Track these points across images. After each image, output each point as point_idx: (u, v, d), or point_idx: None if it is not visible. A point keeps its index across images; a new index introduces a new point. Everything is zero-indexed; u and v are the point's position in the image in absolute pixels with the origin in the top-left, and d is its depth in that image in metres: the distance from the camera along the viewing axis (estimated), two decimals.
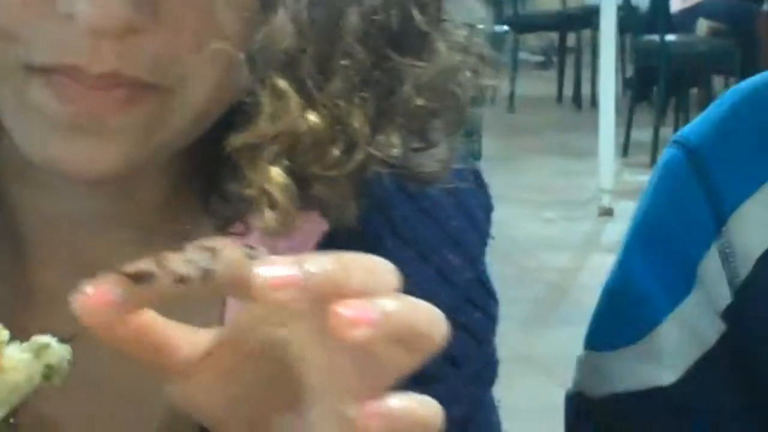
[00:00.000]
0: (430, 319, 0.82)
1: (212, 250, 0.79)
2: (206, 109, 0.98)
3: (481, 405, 1.17)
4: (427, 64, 1.01)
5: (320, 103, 0.97)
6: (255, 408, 0.86)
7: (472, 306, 1.14)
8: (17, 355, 0.82)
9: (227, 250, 0.79)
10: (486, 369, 1.18)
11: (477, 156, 6.32)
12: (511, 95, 11.31)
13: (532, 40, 12.85)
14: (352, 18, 0.97)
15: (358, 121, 0.99)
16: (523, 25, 11.92)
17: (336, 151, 0.99)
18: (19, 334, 0.85)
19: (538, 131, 10.48)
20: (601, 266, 1.51)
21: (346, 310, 0.76)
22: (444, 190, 1.10)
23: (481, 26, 1.09)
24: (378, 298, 0.79)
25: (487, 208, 1.18)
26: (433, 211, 1.12)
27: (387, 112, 1.01)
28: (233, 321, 0.86)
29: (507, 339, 4.80)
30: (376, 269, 0.80)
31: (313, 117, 0.97)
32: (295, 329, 0.81)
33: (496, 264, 5.05)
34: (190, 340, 0.85)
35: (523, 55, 12.27)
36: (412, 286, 0.96)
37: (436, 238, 1.12)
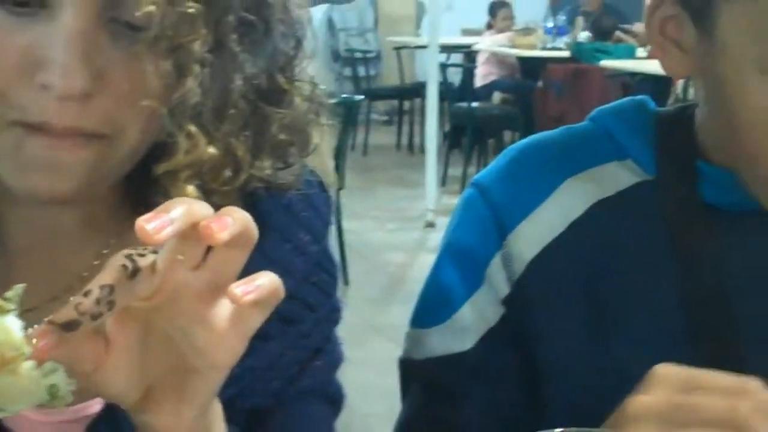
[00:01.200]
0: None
1: (110, 287, 0.75)
2: (137, 148, 0.97)
3: (330, 339, 1.15)
4: (287, 111, 1.03)
5: (217, 140, 0.96)
6: (151, 376, 0.81)
7: (320, 269, 1.13)
8: (30, 368, 0.74)
9: (118, 282, 0.75)
10: (332, 313, 1.15)
11: (342, 185, 6.40)
12: (365, 144, 11.31)
13: (380, 105, 12.40)
14: (237, 82, 0.96)
15: (242, 152, 0.99)
16: (374, 95, 11.77)
17: (228, 173, 0.98)
18: None
19: (384, 169, 10.20)
20: (426, 263, 1.03)
21: (208, 223, 0.75)
22: (298, 193, 1.10)
23: (322, 86, 1.09)
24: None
25: (328, 204, 1.16)
26: (290, 206, 1.11)
27: (261, 145, 1.01)
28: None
29: (362, 313, 5.30)
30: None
31: (212, 150, 0.95)
32: (183, 314, 0.78)
33: (354, 260, 5.52)
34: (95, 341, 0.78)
35: (373, 116, 11.73)
36: (277, 259, 1.05)
37: (292, 225, 1.11)
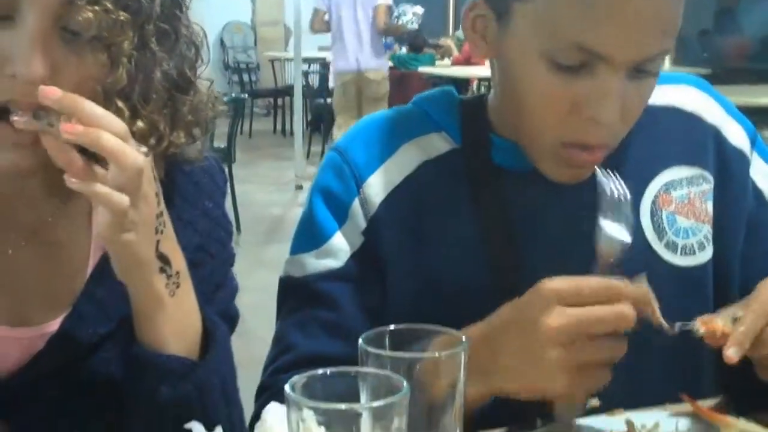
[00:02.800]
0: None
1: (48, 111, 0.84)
2: None
3: (228, 278, 1.14)
4: (193, 98, 1.01)
5: (143, 117, 0.94)
6: None
7: (219, 227, 1.12)
8: None
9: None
10: (228, 258, 1.14)
11: (234, 160, 6.35)
12: (250, 130, 11.15)
13: (260, 102, 12.44)
14: (157, 74, 0.95)
15: (162, 126, 0.97)
16: (256, 94, 11.72)
17: (153, 141, 0.95)
18: None
19: (264, 148, 10.23)
20: (297, 214, 1.02)
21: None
22: (202, 170, 1.10)
23: (217, 87, 1.09)
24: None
25: (224, 179, 1.15)
26: (197, 182, 1.10)
27: (176, 121, 0.99)
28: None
29: (251, 251, 5.13)
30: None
31: (140, 124, 0.94)
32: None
33: (244, 213, 5.38)
34: None
35: (255, 110, 11.76)
36: (187, 220, 1.05)
37: (199, 194, 1.10)
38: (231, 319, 1.13)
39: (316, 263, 1.15)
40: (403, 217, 1.14)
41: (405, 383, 0.69)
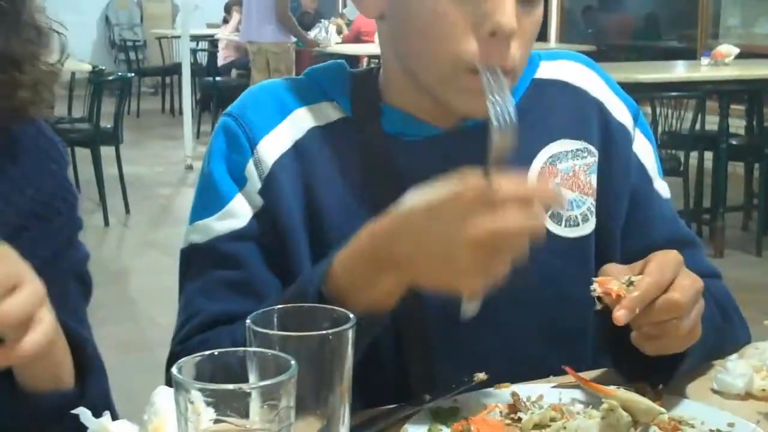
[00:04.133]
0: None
1: None
2: None
3: (76, 238, 1.14)
4: (28, 76, 1.04)
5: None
6: None
7: (64, 190, 1.12)
8: None
9: None
10: (76, 221, 1.13)
11: (121, 141, 6.20)
12: (138, 110, 10.93)
13: (148, 81, 12.21)
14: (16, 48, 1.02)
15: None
16: (143, 73, 11.55)
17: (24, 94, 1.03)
18: None
19: (152, 127, 10.05)
20: (187, 194, 0.97)
21: None
22: (44, 135, 1.12)
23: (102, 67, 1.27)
24: None
25: (65, 152, 1.15)
26: (39, 141, 1.11)
27: (12, 91, 1.03)
28: None
29: (140, 233, 5.08)
30: None
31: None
32: None
33: (133, 195, 5.33)
34: None
35: (143, 89, 11.51)
36: (33, 177, 1.07)
37: (44, 158, 1.11)
38: (85, 283, 1.14)
39: (219, 225, 1.14)
40: (295, 179, 1.15)
41: (293, 362, 0.69)
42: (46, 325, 0.86)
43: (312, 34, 8.51)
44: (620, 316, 0.94)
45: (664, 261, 0.99)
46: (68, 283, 1.10)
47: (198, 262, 1.16)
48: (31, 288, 0.84)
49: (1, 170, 1.05)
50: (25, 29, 1.03)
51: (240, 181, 1.15)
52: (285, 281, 1.11)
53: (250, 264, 1.13)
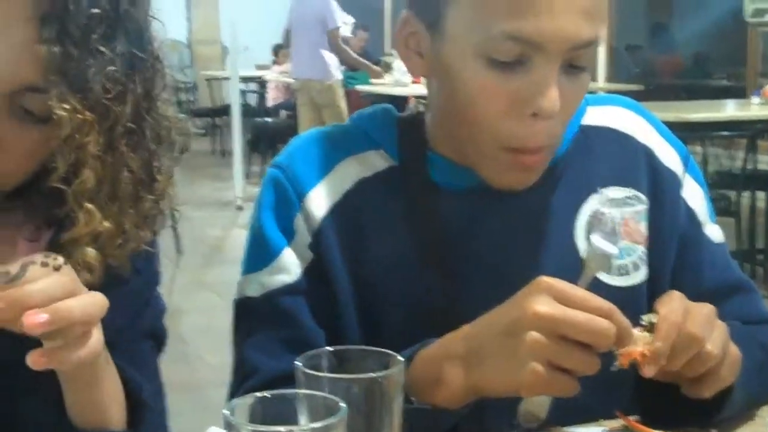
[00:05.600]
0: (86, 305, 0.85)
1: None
2: (20, 179, 0.96)
3: (154, 296, 1.14)
4: (156, 197, 1.00)
5: (110, 217, 0.93)
6: None
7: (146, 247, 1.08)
8: None
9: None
10: (154, 276, 1.14)
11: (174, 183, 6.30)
12: (188, 150, 10.99)
13: (198, 122, 12.31)
14: (126, 177, 0.94)
15: (129, 225, 0.96)
16: (194, 114, 11.70)
17: (119, 241, 0.96)
18: None
19: (203, 168, 10.11)
20: (237, 235, 0.97)
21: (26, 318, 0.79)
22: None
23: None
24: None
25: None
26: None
27: (141, 221, 0.98)
28: None
29: (193, 272, 5.04)
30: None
31: (106, 224, 0.93)
32: None
33: (184, 235, 5.18)
34: None
35: (193, 130, 11.56)
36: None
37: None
38: (158, 338, 1.14)
39: (271, 279, 1.14)
40: (343, 233, 1.14)
41: (343, 404, 0.70)
42: (94, 340, 0.87)
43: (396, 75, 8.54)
44: (648, 372, 0.94)
45: (671, 298, 0.99)
46: (142, 341, 1.08)
47: (252, 316, 1.16)
48: (96, 297, 0.86)
49: None
50: (150, 141, 0.99)
51: (289, 235, 1.15)
52: (330, 333, 1.11)
53: (303, 319, 1.13)
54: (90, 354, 0.86)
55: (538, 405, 0.96)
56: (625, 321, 0.92)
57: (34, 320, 0.78)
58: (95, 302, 0.85)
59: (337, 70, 8.06)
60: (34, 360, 0.81)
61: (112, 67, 0.89)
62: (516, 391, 0.92)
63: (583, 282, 0.97)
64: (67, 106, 0.86)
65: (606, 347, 0.91)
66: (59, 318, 0.80)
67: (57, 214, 0.94)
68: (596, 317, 0.90)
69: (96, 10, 0.88)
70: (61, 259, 0.85)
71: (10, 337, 0.84)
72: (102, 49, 0.89)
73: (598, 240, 1.00)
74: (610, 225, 1.05)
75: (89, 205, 0.91)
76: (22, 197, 0.99)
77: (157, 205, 1.01)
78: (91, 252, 0.93)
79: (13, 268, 0.81)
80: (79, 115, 0.87)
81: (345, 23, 8.26)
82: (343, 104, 8.02)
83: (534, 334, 0.90)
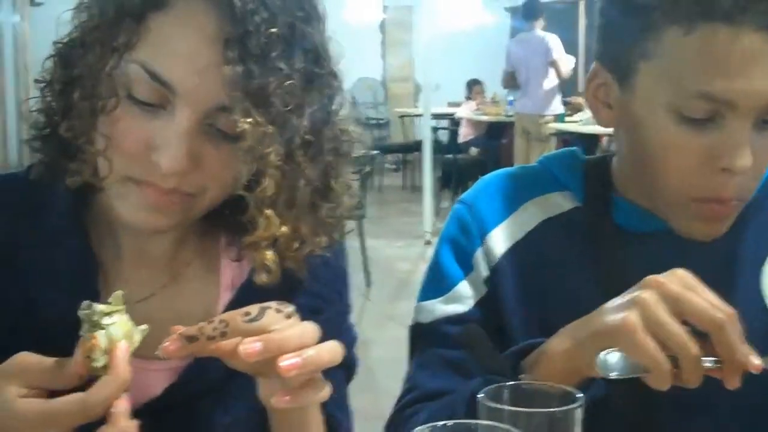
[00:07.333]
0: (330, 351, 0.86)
1: (226, 322, 0.83)
2: (215, 201, 1.01)
3: (345, 326, 1.17)
4: (333, 205, 1.03)
5: (288, 222, 0.98)
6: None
7: (337, 278, 1.16)
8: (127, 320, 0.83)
9: (233, 321, 0.83)
10: (346, 307, 1.18)
11: (364, 215, 6.45)
12: (380, 185, 11.38)
13: (390, 157, 12.58)
14: (303, 186, 0.98)
15: (306, 230, 1.00)
16: (386, 150, 11.73)
17: (296, 245, 1.00)
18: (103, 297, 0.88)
19: (394, 203, 10.39)
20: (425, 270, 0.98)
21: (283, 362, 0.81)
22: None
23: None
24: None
25: (341, 242, 1.14)
26: (326, 259, 1.10)
27: (317, 226, 1.02)
28: None
29: (380, 306, 5.17)
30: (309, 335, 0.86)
31: (284, 229, 0.97)
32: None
33: (374, 268, 5.41)
34: None
35: (386, 165, 11.97)
36: (309, 268, 1.05)
37: (326, 274, 1.13)
38: (349, 368, 1.16)
39: (443, 308, 1.17)
40: (523, 272, 1.16)
41: None
42: (326, 383, 0.89)
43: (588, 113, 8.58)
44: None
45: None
46: (336, 369, 1.10)
47: (422, 339, 1.19)
48: (335, 345, 0.87)
49: None
50: (328, 154, 1.02)
51: (467, 268, 1.18)
52: None
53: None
54: (325, 396, 0.88)
55: (618, 365, 0.90)
56: (737, 332, 0.89)
57: (289, 364, 0.81)
58: (337, 350, 0.87)
59: (557, 104, 8.44)
60: (278, 399, 0.85)
61: (290, 81, 0.93)
62: (607, 337, 0.91)
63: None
64: (250, 120, 0.90)
65: (717, 334, 0.88)
66: (310, 363, 0.83)
67: (240, 221, 0.98)
68: (715, 307, 0.89)
69: (274, 30, 0.92)
70: (292, 307, 0.87)
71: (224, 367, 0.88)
72: (281, 66, 0.92)
73: None
74: None
75: (269, 211, 0.95)
76: (215, 216, 1.04)
77: (333, 213, 1.03)
78: (269, 254, 0.97)
79: (254, 310, 0.84)
80: (261, 128, 0.91)
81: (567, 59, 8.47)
82: (552, 139, 8.33)
83: (647, 292, 0.90)
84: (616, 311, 0.92)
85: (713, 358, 0.89)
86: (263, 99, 0.91)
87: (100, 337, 0.80)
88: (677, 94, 1.03)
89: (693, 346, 0.88)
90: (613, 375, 0.89)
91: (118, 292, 0.83)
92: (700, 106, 1.02)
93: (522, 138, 8.44)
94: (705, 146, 1.04)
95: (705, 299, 0.90)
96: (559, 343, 0.98)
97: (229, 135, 0.94)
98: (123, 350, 0.81)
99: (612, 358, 0.89)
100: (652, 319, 0.89)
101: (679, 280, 0.92)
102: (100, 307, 0.81)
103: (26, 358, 0.81)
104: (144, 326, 0.84)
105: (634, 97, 1.08)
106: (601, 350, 0.90)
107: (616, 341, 0.90)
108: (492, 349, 1.02)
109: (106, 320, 0.81)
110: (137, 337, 0.83)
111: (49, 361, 0.81)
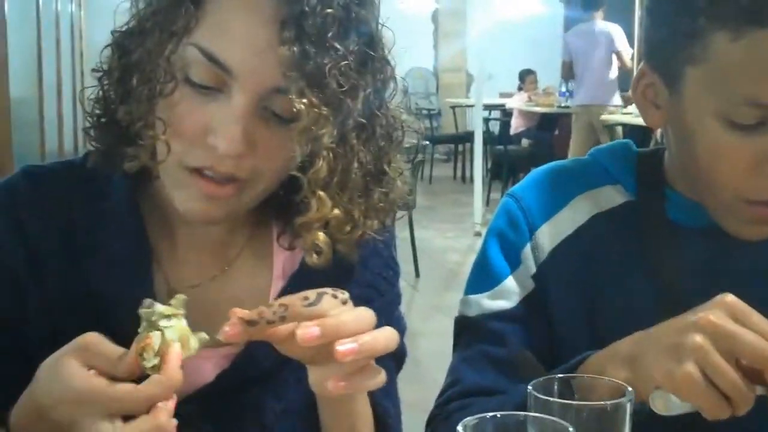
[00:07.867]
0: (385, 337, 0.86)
1: (285, 306, 0.83)
2: (269, 188, 1.01)
3: (395, 316, 1.16)
4: (386, 186, 1.04)
5: (340, 205, 0.98)
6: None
7: (388, 267, 1.16)
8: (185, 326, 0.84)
9: (292, 305, 0.83)
10: (396, 297, 1.18)
11: (414, 206, 6.41)
12: (431, 175, 11.27)
13: (441, 148, 12.44)
14: (356, 169, 0.98)
15: (357, 214, 1.01)
16: (437, 140, 11.60)
17: (347, 228, 1.00)
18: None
19: (444, 194, 10.27)
20: None
21: (341, 347, 0.81)
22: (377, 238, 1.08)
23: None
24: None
25: (392, 224, 1.12)
26: (377, 248, 1.12)
27: (369, 209, 1.02)
28: None
29: (429, 297, 5.16)
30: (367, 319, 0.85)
31: (336, 211, 0.98)
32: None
33: (423, 259, 5.42)
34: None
35: (436, 156, 11.79)
36: (359, 257, 1.07)
37: (376, 263, 1.14)
38: (399, 357, 1.16)
39: (489, 303, 1.17)
40: (572, 268, 1.16)
41: (571, 429, 0.73)
42: (381, 371, 0.88)
43: None
44: None
45: None
46: (386, 359, 1.08)
47: (466, 333, 1.20)
48: (391, 331, 0.87)
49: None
50: (381, 138, 1.03)
51: (514, 264, 1.18)
52: (546, 362, 1.11)
53: (512, 344, 1.15)
54: (380, 382, 0.88)
55: (675, 405, 0.90)
56: None
57: (346, 349, 0.81)
58: (392, 336, 0.86)
59: (618, 96, 8.30)
60: (335, 385, 0.84)
61: (345, 62, 0.93)
62: (666, 386, 0.90)
63: None
64: (305, 101, 0.91)
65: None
66: (366, 349, 0.83)
67: (293, 201, 0.99)
68: (765, 342, 0.87)
69: (329, 10, 0.92)
70: (346, 294, 0.87)
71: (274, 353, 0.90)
72: (336, 45, 0.92)
73: None
74: None
75: (321, 193, 0.96)
76: (269, 198, 1.04)
77: (386, 198, 1.04)
78: (321, 236, 0.98)
79: (311, 295, 0.84)
80: (316, 109, 0.91)
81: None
82: (619, 128, 8.11)
83: (700, 337, 0.88)
84: (673, 356, 0.89)
85: (766, 386, 0.89)
86: (319, 79, 0.91)
87: (155, 338, 0.80)
88: (726, 101, 1.02)
89: (746, 389, 0.88)
90: (670, 414, 0.90)
91: (181, 296, 0.84)
92: (750, 113, 1.02)
93: (584, 130, 8.26)
94: (756, 151, 1.03)
95: (757, 330, 0.88)
96: (615, 371, 0.94)
97: (283, 118, 0.95)
98: (176, 354, 0.81)
99: (668, 398, 0.89)
100: (710, 369, 0.88)
101: (730, 312, 0.90)
102: (160, 308, 0.82)
103: (92, 338, 0.82)
104: (203, 334, 0.84)
105: (681, 101, 1.08)
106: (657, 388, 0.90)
107: (677, 392, 0.89)
108: (543, 372, 0.99)
109: (163, 322, 0.81)
110: (194, 345, 0.83)
111: (111, 347, 0.82)
